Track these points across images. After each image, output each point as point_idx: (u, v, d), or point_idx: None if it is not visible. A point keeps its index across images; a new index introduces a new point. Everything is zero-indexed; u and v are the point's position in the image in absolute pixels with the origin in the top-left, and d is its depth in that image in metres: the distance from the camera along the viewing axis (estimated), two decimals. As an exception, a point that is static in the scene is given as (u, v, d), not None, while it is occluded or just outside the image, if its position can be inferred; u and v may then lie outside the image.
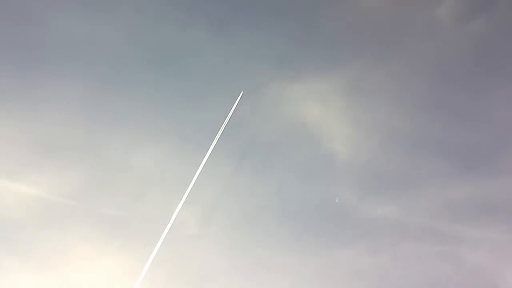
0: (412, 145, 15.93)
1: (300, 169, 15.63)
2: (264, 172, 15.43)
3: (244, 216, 14.87)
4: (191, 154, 14.91)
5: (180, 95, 15.96)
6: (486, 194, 15.20)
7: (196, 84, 16.13)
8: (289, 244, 14.57)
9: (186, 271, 14.02)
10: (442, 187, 15.38)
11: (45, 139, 14.85)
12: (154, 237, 13.19)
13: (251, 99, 15.39)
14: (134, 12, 16.30)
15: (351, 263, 14.42)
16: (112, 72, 15.79)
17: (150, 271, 12.84)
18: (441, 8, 16.89)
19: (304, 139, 15.93)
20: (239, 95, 14.63)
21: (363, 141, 16.00)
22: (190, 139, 15.43)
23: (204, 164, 13.84)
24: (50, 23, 15.83)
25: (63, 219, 14.14)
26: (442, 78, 16.45)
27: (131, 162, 15.09)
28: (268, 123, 15.83)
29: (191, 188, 13.58)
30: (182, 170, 14.82)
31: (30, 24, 15.70)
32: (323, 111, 16.31)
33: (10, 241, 13.64)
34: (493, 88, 16.25)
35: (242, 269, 14.18)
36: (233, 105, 14.51)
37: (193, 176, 13.72)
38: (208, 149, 13.93)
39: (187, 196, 13.51)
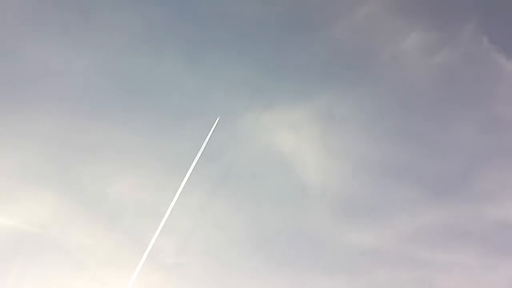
0: (384, 172, 16.26)
1: (275, 197, 15.79)
2: (239, 201, 15.53)
3: (220, 245, 14.87)
4: (167, 182, 14.97)
5: (155, 124, 16.09)
6: (456, 219, 15.53)
7: (171, 114, 16.33)
8: (265, 272, 14.56)
9: (163, 301, 13.96)
10: (413, 213, 15.67)
11: (20, 169, 14.77)
12: (130, 266, 13.07)
13: (226, 129, 15.54)
14: (108, 43, 16.55)
15: (327, 290, 14.51)
16: (87, 103, 15.90)
17: (126, 301, 12.75)
18: (408, 40, 17.54)
19: (278, 168, 16.16)
20: (214, 122, 14.79)
21: (336, 169, 16.30)
22: (165, 168, 15.49)
23: (180, 193, 13.82)
24: (25, 53, 15.97)
25: (36, 249, 13.90)
26: (410, 107, 16.98)
27: (106, 191, 15.05)
28: (243, 152, 16.01)
29: (167, 217, 13.51)
30: (158, 199, 14.80)
31: (4, 54, 15.76)
32: (296, 140, 16.61)
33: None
34: (460, 116, 16.84)
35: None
36: (209, 132, 14.64)
37: (169, 205, 13.67)
38: (184, 177, 13.96)
39: (163, 225, 13.42)
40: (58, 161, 15.03)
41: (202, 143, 14.40)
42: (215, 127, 14.66)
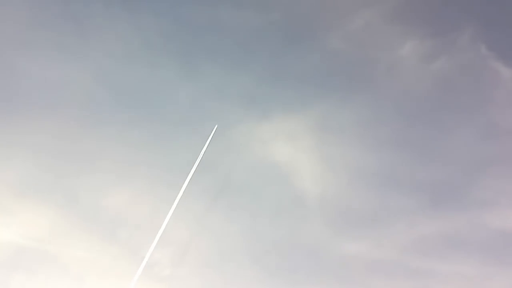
0: (381, 181, 16.20)
1: (271, 208, 15.72)
2: (236, 212, 15.49)
3: (217, 256, 14.85)
4: (164, 194, 14.91)
5: (151, 135, 16.12)
6: (454, 228, 15.43)
7: (167, 125, 16.34)
8: (262, 282, 14.50)
9: (159, 313, 13.97)
10: (411, 223, 15.57)
11: (15, 182, 14.82)
12: (127, 279, 13.03)
13: (222, 140, 15.50)
14: (103, 55, 16.61)
15: (325, 301, 14.46)
16: (83, 115, 15.98)
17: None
18: (405, 48, 17.48)
19: (275, 178, 16.11)
20: (210, 133, 14.75)
21: (333, 178, 16.24)
22: (162, 179, 15.50)
23: (177, 205, 13.80)
24: (21, 66, 16.03)
25: (33, 262, 13.97)
26: (408, 115, 16.91)
27: (102, 203, 15.08)
28: (239, 163, 15.99)
29: (164, 229, 13.49)
30: (154, 210, 14.80)
31: (1, 69, 15.86)
32: (292, 150, 16.59)
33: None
34: (458, 124, 16.72)
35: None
36: (205, 143, 14.60)
37: (165, 217, 13.65)
38: (180, 189, 13.94)
39: (160, 236, 13.41)
40: (54, 174, 15.11)
41: (198, 154, 14.38)
42: (212, 137, 14.64)
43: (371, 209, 15.78)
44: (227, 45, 17.21)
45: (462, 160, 16.26)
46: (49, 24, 16.46)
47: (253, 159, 16.24)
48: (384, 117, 16.86)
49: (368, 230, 15.51)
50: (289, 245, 15.24)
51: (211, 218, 15.05)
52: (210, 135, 14.75)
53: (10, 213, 14.47)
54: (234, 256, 14.90)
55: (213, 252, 14.89)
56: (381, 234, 15.40)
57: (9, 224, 14.33)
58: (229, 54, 17.10)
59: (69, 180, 15.12)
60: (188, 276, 14.48)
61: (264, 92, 16.77)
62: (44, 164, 15.14)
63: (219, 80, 16.83)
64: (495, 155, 16.12)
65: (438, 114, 16.82)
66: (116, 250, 14.44)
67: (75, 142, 15.58)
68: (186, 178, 14.05)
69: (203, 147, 14.58)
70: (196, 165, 14.19)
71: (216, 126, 14.50)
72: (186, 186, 13.98)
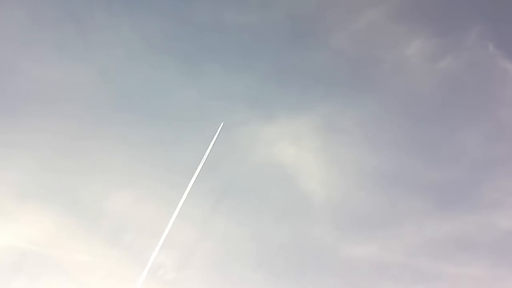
0: (388, 182, 16.01)
1: (277, 210, 15.54)
2: (240, 214, 15.32)
3: (222, 259, 14.67)
4: (168, 196, 14.78)
5: (154, 137, 15.97)
6: (463, 230, 15.21)
7: (170, 125, 16.22)
8: (268, 285, 14.33)
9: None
10: (420, 224, 15.38)
11: (17, 185, 14.66)
12: (130, 283, 12.91)
13: (226, 141, 15.37)
14: (106, 55, 16.52)
15: (333, 305, 14.25)
16: (85, 116, 15.83)
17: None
18: (411, 47, 17.29)
19: (280, 180, 15.94)
20: (214, 135, 14.60)
21: (339, 180, 16.08)
22: (166, 181, 15.32)
23: (181, 207, 13.65)
24: (22, 68, 15.93)
25: (36, 267, 13.83)
26: (414, 115, 16.72)
27: (106, 205, 14.91)
28: (244, 164, 15.82)
29: (168, 232, 13.32)
30: (158, 213, 14.62)
31: (2, 72, 15.77)
32: (298, 151, 16.41)
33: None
34: (465, 124, 16.55)
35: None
36: (209, 145, 14.45)
37: (169, 220, 13.49)
38: (185, 191, 13.78)
39: (164, 240, 13.24)
40: (57, 176, 14.98)
41: (203, 155, 14.23)
42: (217, 136, 14.47)
43: (378, 210, 15.63)
44: (231, 45, 17.14)
45: (471, 160, 16.13)
46: (51, 24, 16.44)
47: (258, 160, 16.12)
48: (391, 117, 16.74)
49: (375, 232, 15.33)
50: (296, 247, 15.08)
51: (216, 220, 14.91)
52: (216, 133, 14.60)
53: (12, 217, 14.34)
54: (240, 259, 14.75)
55: (218, 255, 14.73)
56: (389, 236, 15.22)
57: (11, 228, 14.21)
58: (233, 54, 17.03)
59: (72, 183, 15.00)
60: (193, 279, 14.33)
61: (269, 93, 16.69)
62: (46, 166, 15.01)
63: (223, 81, 16.73)
64: (504, 155, 15.98)
65: (446, 113, 16.69)
66: (120, 253, 14.29)
67: (77, 143, 15.44)
68: (191, 179, 13.91)
69: (207, 147, 14.43)
70: (201, 167, 14.05)
71: (222, 124, 14.35)
72: (191, 188, 13.84)
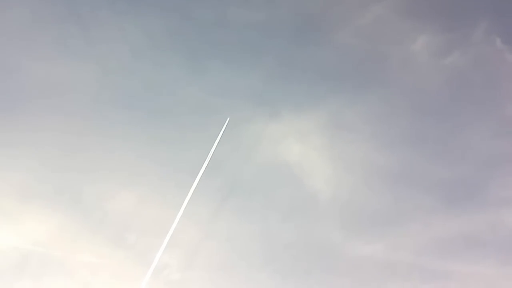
0: (395, 180, 15.84)
1: (283, 209, 15.39)
2: (246, 213, 15.18)
3: (228, 259, 14.53)
4: (172, 196, 14.61)
5: (158, 136, 15.80)
6: (471, 228, 15.04)
7: (174, 124, 16.07)
8: (274, 285, 14.21)
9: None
10: (427, 222, 15.22)
11: (20, 186, 14.52)
12: (135, 283, 12.85)
13: (231, 139, 15.22)
14: (109, 54, 16.33)
15: (340, 305, 14.11)
16: (88, 115, 15.67)
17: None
18: (417, 44, 17.14)
19: (286, 178, 15.77)
20: (218, 134, 14.45)
21: (345, 178, 15.92)
22: (170, 180, 15.18)
23: (186, 207, 13.54)
24: (25, 67, 15.77)
25: (39, 268, 13.68)
26: (421, 111, 16.54)
27: (109, 206, 14.77)
28: (249, 162, 15.68)
29: (173, 232, 13.22)
30: (162, 213, 14.45)
31: (4, 70, 15.62)
32: (303, 149, 16.26)
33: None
34: (473, 120, 16.37)
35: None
36: (214, 144, 14.32)
37: (174, 219, 13.38)
38: (189, 190, 13.67)
39: (169, 239, 13.14)
40: (60, 177, 14.83)
41: (208, 154, 14.12)
42: (224, 131, 14.34)
43: (385, 209, 15.46)
44: (235, 42, 16.97)
45: (479, 157, 15.95)
46: (54, 24, 16.28)
47: (264, 158, 15.93)
48: (397, 113, 16.56)
49: (382, 230, 15.15)
50: (302, 246, 14.94)
51: (221, 220, 14.75)
52: (220, 131, 14.47)
53: (15, 217, 14.20)
54: (245, 259, 14.61)
55: (224, 254, 14.59)
56: (396, 234, 15.06)
57: (15, 229, 14.07)
58: (237, 52, 16.89)
59: (75, 182, 14.85)
60: (198, 279, 14.21)
61: (274, 90, 16.51)
62: (49, 166, 14.88)
63: (228, 78, 16.57)
64: (512, 151, 15.77)
65: (453, 109, 16.52)
66: (124, 254, 14.17)
67: (80, 142, 15.30)
68: (196, 178, 13.81)
69: (212, 145, 14.30)
70: (206, 165, 13.94)
71: (228, 119, 14.21)
72: (195, 187, 13.73)
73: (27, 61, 15.77)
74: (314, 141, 16.32)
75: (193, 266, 14.23)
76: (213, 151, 14.21)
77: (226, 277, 14.27)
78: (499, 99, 16.43)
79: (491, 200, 15.32)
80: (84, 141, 15.33)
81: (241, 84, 16.51)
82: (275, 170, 15.84)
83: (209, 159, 14.03)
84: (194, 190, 13.70)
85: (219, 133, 14.47)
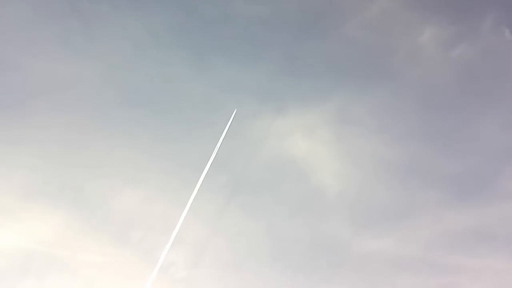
0: (404, 174, 15.69)
1: (290, 205, 15.21)
2: (253, 210, 15.01)
3: (234, 256, 14.37)
4: (177, 193, 14.45)
5: (162, 133, 15.63)
6: (482, 222, 14.88)
7: (179, 122, 15.90)
8: (281, 284, 14.06)
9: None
10: (437, 216, 15.07)
11: (23, 185, 14.35)
12: (141, 282, 12.69)
13: (237, 135, 15.09)
14: (111, 52, 16.15)
15: (349, 301, 13.95)
16: (91, 114, 15.50)
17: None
18: (424, 36, 16.99)
19: (293, 174, 15.62)
20: (223, 130, 14.29)
21: (353, 172, 15.75)
22: (175, 178, 15.00)
23: (191, 204, 13.39)
24: (27, 66, 15.59)
25: (44, 268, 13.52)
26: (429, 104, 16.40)
27: (114, 204, 14.58)
28: (255, 158, 15.52)
29: (178, 229, 13.08)
30: (168, 210, 14.33)
31: (6, 68, 15.42)
32: (310, 144, 16.07)
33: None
34: (482, 112, 16.19)
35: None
36: (218, 140, 14.16)
37: (180, 217, 13.23)
38: (195, 187, 13.52)
39: (175, 237, 12.99)
40: (63, 175, 14.67)
41: (213, 151, 13.96)
42: (231, 123, 14.17)
43: (394, 203, 15.29)
44: (240, 37, 16.79)
45: (488, 149, 15.78)
46: (56, 22, 16.09)
47: (270, 154, 15.77)
48: (405, 107, 16.40)
49: (391, 225, 15.00)
50: (310, 242, 14.77)
51: (228, 216, 14.59)
52: (222, 132, 14.31)
53: (18, 216, 14.04)
54: (253, 255, 14.45)
55: (230, 252, 14.43)
56: (405, 229, 14.91)
57: (18, 228, 13.91)
58: (241, 47, 16.68)
59: (79, 181, 14.68)
60: (205, 277, 14.04)
61: (279, 85, 16.35)
62: (53, 164, 14.71)
63: (233, 74, 16.37)
64: (523, 144, 15.62)
65: (462, 102, 16.36)
66: (130, 252, 14.02)
67: (84, 140, 15.14)
68: (201, 175, 13.66)
69: (218, 141, 14.13)
70: (212, 161, 13.78)
71: (235, 111, 14.04)
72: (201, 184, 13.58)
73: (29, 58, 15.62)
74: (321, 136, 16.17)
75: (200, 264, 14.09)
76: (219, 146, 14.06)
77: (233, 274, 14.12)
78: (508, 91, 16.27)
79: (501, 193, 15.18)
80: (87, 139, 15.18)
81: (247, 80, 16.37)
82: (282, 165, 15.71)
83: (215, 155, 13.90)
84: (200, 187, 13.56)
85: (225, 127, 14.31)
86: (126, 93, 15.97)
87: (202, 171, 13.71)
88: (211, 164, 13.81)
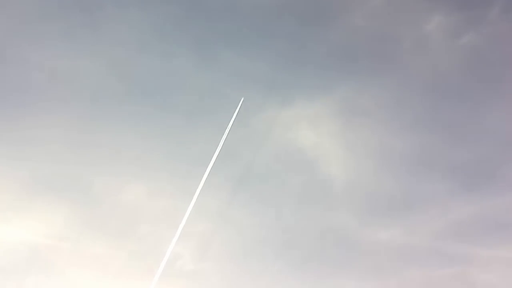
0: (411, 164, 15.55)
1: (297, 196, 15.15)
2: (259, 202, 14.96)
3: (241, 249, 14.36)
4: (183, 186, 14.40)
5: (167, 126, 15.57)
6: (492, 211, 14.75)
7: (184, 115, 15.76)
8: (290, 276, 14.01)
9: (183, 310, 13.48)
10: (445, 206, 14.95)
11: (29, 179, 14.34)
12: (148, 275, 12.58)
13: (243, 127, 14.99)
14: (115, 45, 16.04)
15: (357, 291, 13.87)
16: (97, 107, 15.44)
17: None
18: (431, 24, 16.71)
19: (300, 165, 15.53)
20: (229, 121, 14.17)
21: (361, 163, 15.63)
22: (181, 171, 14.96)
23: (197, 197, 13.30)
24: (32, 60, 15.49)
25: (51, 262, 13.55)
26: (437, 93, 16.20)
27: (121, 198, 14.58)
28: (261, 150, 15.43)
29: (185, 222, 12.99)
30: (174, 204, 14.31)
31: (9, 60, 15.35)
32: (316, 136, 15.95)
33: (-3, 289, 13.04)
34: (490, 100, 15.99)
35: (242, 306, 13.65)
36: (224, 131, 14.03)
37: (186, 210, 13.14)
38: (201, 180, 13.43)
39: (181, 230, 12.90)
40: (68, 169, 14.63)
41: (218, 143, 13.84)
42: (233, 122, 14.04)
43: (402, 194, 15.20)
44: (243, 29, 16.60)
45: (497, 139, 15.59)
46: (60, 15, 15.96)
47: (276, 146, 15.68)
48: (412, 96, 16.24)
49: (399, 216, 14.91)
50: (318, 233, 14.70)
51: (234, 209, 14.54)
52: (228, 122, 14.17)
53: (24, 212, 14.06)
54: (260, 248, 14.42)
55: (236, 246, 14.41)
56: (413, 220, 14.83)
57: (24, 223, 13.93)
58: (246, 38, 16.52)
59: (84, 176, 14.65)
60: (212, 270, 14.04)
61: (285, 76, 16.18)
62: (57, 158, 14.67)
63: (238, 65, 16.20)
64: (532, 133, 15.44)
65: (469, 91, 16.13)
66: (136, 246, 14.00)
67: (89, 136, 15.07)
68: (207, 168, 13.56)
69: (222, 136, 14.00)
70: (217, 154, 13.67)
71: (242, 99, 13.91)
72: (207, 177, 13.48)
73: (33, 53, 15.53)
74: (328, 126, 16.04)
75: (207, 257, 14.07)
76: (225, 137, 13.95)
77: (240, 267, 14.10)
78: (517, 79, 16.06)
79: (510, 182, 15.02)
80: (92, 135, 15.11)
81: (252, 71, 16.20)
82: (289, 156, 15.63)
83: (220, 147, 13.79)
84: (206, 180, 13.47)
85: (231, 118, 14.17)
86: (131, 86, 15.90)
87: (209, 163, 13.62)
88: (217, 156, 13.71)
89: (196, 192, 13.29)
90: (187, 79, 16.14)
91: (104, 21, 16.18)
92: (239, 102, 14.37)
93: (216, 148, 13.75)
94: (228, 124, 14.12)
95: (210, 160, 13.60)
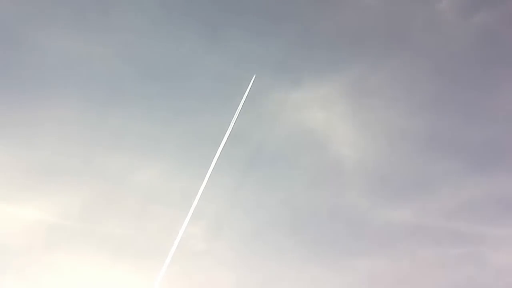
0: (422, 145, 15.46)
1: (308, 177, 15.16)
2: (270, 182, 15.03)
3: (253, 229, 14.41)
4: (195, 168, 14.54)
5: (178, 109, 15.64)
6: (504, 190, 14.63)
7: (195, 97, 15.84)
8: (301, 256, 14.09)
9: (195, 288, 13.63)
10: (457, 186, 14.86)
11: (45, 162, 14.58)
12: (161, 254, 12.68)
13: (253, 108, 14.98)
14: (126, 29, 16.13)
15: (369, 272, 13.90)
16: (109, 91, 15.58)
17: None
18: (442, 3, 16.59)
19: (310, 146, 15.53)
20: (239, 103, 14.20)
21: (371, 143, 15.57)
22: (192, 153, 15.09)
23: (209, 178, 13.39)
24: (42, 46, 15.66)
25: (67, 241, 13.77)
26: (448, 73, 16.01)
27: (134, 180, 14.75)
28: (272, 131, 15.47)
29: (197, 203, 13.10)
30: (186, 185, 14.38)
31: (22, 48, 15.53)
32: (327, 116, 15.94)
33: (15, 268, 13.27)
34: (502, 80, 15.79)
35: (252, 285, 13.67)
36: (234, 114, 14.08)
37: (198, 191, 13.25)
38: (212, 162, 13.51)
39: (193, 211, 13.02)
40: (83, 151, 14.82)
41: (229, 125, 13.90)
42: (250, 89, 14.03)
43: (413, 174, 15.13)
44: (254, 10, 16.58)
45: (509, 118, 15.44)
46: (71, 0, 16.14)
47: (287, 127, 15.71)
48: (423, 76, 16.08)
49: (411, 196, 14.87)
50: (328, 215, 14.72)
51: (246, 190, 14.58)
52: (238, 105, 14.19)
53: (40, 192, 14.27)
54: (271, 229, 14.46)
55: (248, 226, 14.46)
56: (426, 199, 14.78)
57: (40, 204, 14.16)
58: (255, 19, 16.48)
59: (99, 157, 14.83)
60: (224, 249, 14.14)
61: (295, 57, 16.06)
62: (72, 141, 14.87)
63: (247, 47, 16.23)
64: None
65: (482, 70, 15.95)
66: (150, 226, 14.18)
67: (102, 119, 15.23)
68: (218, 148, 13.63)
69: (232, 118, 14.03)
70: (229, 134, 13.73)
71: (254, 76, 13.93)
72: (219, 157, 13.56)
73: (45, 38, 15.71)
74: (338, 107, 16.02)
75: (219, 237, 14.15)
76: (235, 119, 13.99)
77: (252, 246, 14.20)
78: (530, 57, 15.84)
79: (523, 162, 14.82)
80: (105, 115, 15.27)
81: (262, 52, 16.21)
82: (300, 137, 15.64)
83: (231, 128, 13.84)
84: (217, 160, 13.55)
85: (242, 99, 14.19)
86: (141, 69, 16.02)
87: (220, 144, 13.69)
88: (228, 137, 13.77)
89: (207, 173, 13.39)
90: (198, 60, 16.24)
91: (115, 6, 16.37)
92: (249, 83, 14.41)
93: (227, 128, 13.83)
94: (239, 104, 14.18)
95: (221, 141, 13.69)
